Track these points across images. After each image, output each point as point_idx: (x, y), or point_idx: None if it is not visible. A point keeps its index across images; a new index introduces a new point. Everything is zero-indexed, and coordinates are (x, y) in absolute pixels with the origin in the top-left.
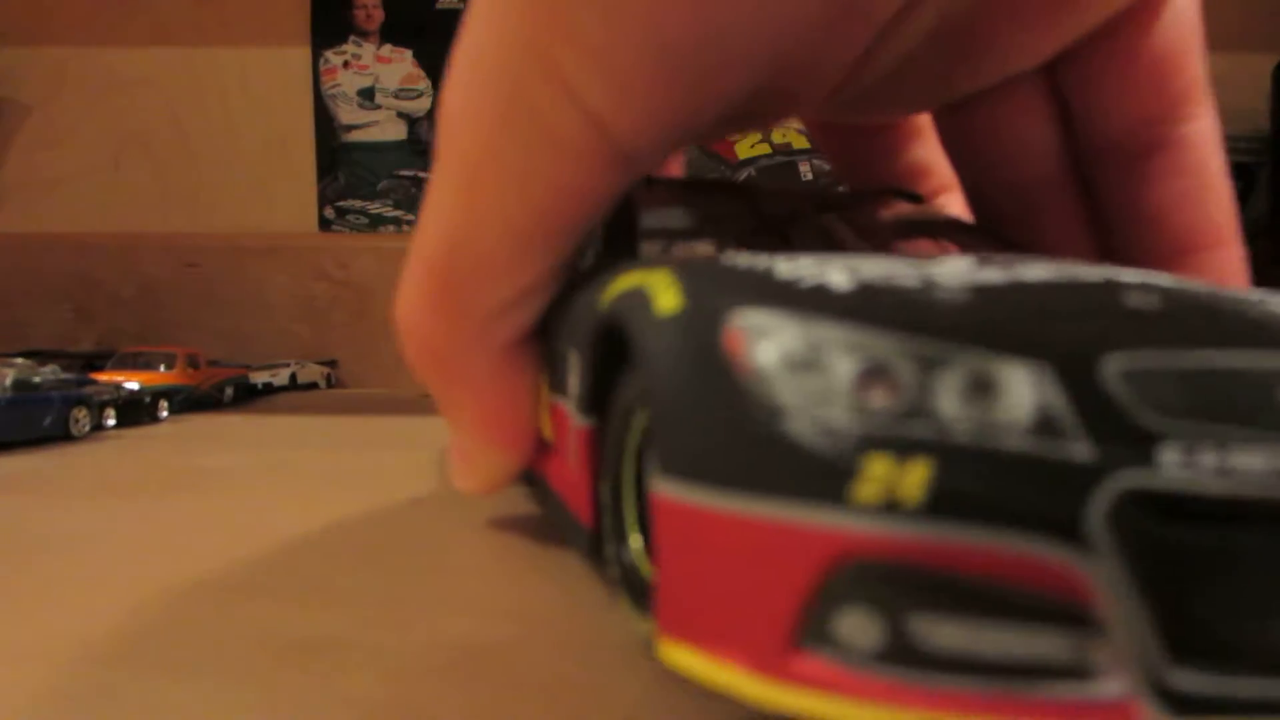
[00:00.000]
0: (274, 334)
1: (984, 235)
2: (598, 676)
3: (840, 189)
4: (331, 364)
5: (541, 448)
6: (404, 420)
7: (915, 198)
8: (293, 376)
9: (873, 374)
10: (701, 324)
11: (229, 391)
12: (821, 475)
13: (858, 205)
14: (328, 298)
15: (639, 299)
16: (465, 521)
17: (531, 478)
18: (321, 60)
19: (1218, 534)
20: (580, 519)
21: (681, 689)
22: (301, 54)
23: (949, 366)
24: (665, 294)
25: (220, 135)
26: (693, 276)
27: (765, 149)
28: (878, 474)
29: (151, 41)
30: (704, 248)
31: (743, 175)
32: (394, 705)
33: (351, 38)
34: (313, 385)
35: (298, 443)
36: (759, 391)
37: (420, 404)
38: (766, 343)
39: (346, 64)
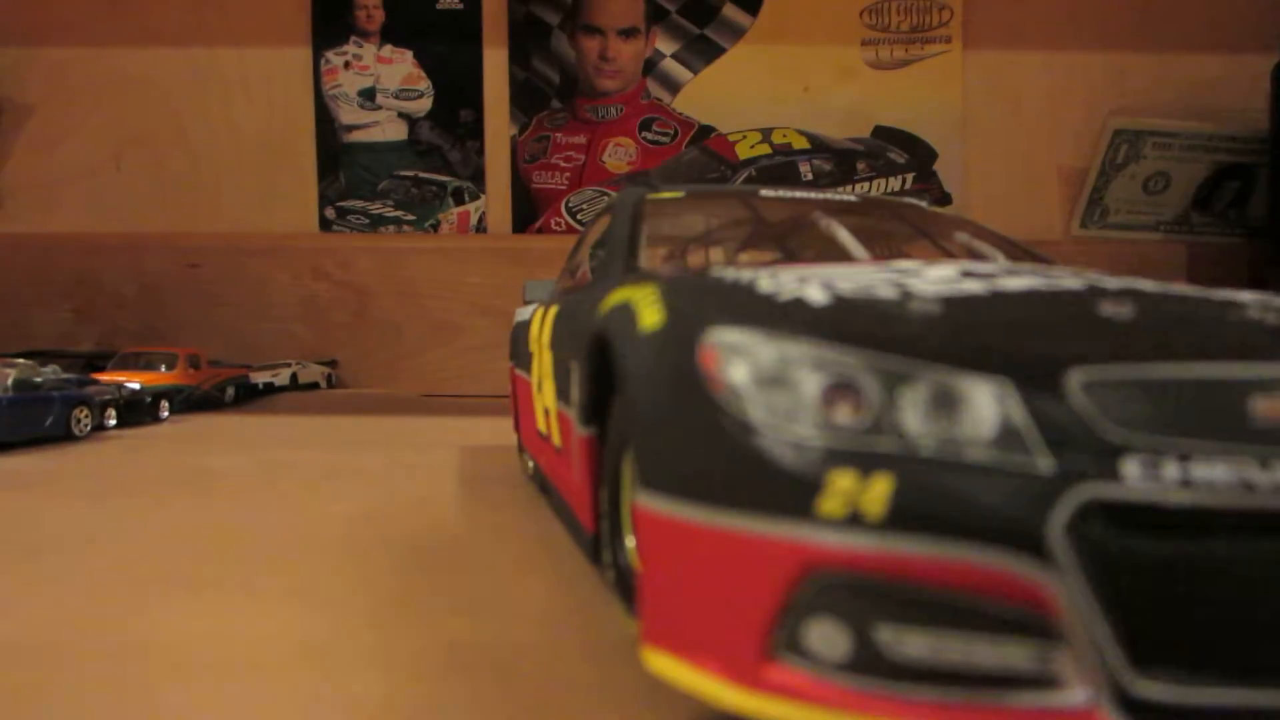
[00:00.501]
0: (275, 334)
1: (994, 239)
2: (598, 675)
3: (846, 193)
4: (332, 364)
5: (552, 454)
6: (404, 420)
7: (921, 203)
8: (294, 376)
9: (838, 390)
10: (679, 341)
11: (230, 391)
12: (789, 490)
13: (863, 211)
14: (328, 298)
15: (625, 314)
16: (467, 523)
17: (546, 486)
18: (322, 61)
19: (1179, 544)
20: (583, 524)
21: (680, 688)
22: (302, 54)
23: (913, 382)
24: (649, 310)
25: (221, 136)
26: (676, 293)
27: (765, 149)
28: (841, 488)
29: (153, 42)
30: (702, 259)
31: (743, 175)
32: (395, 704)
33: (352, 38)
34: (314, 385)
35: (298, 443)
36: (731, 407)
37: (420, 404)
38: (739, 360)
39: (347, 64)
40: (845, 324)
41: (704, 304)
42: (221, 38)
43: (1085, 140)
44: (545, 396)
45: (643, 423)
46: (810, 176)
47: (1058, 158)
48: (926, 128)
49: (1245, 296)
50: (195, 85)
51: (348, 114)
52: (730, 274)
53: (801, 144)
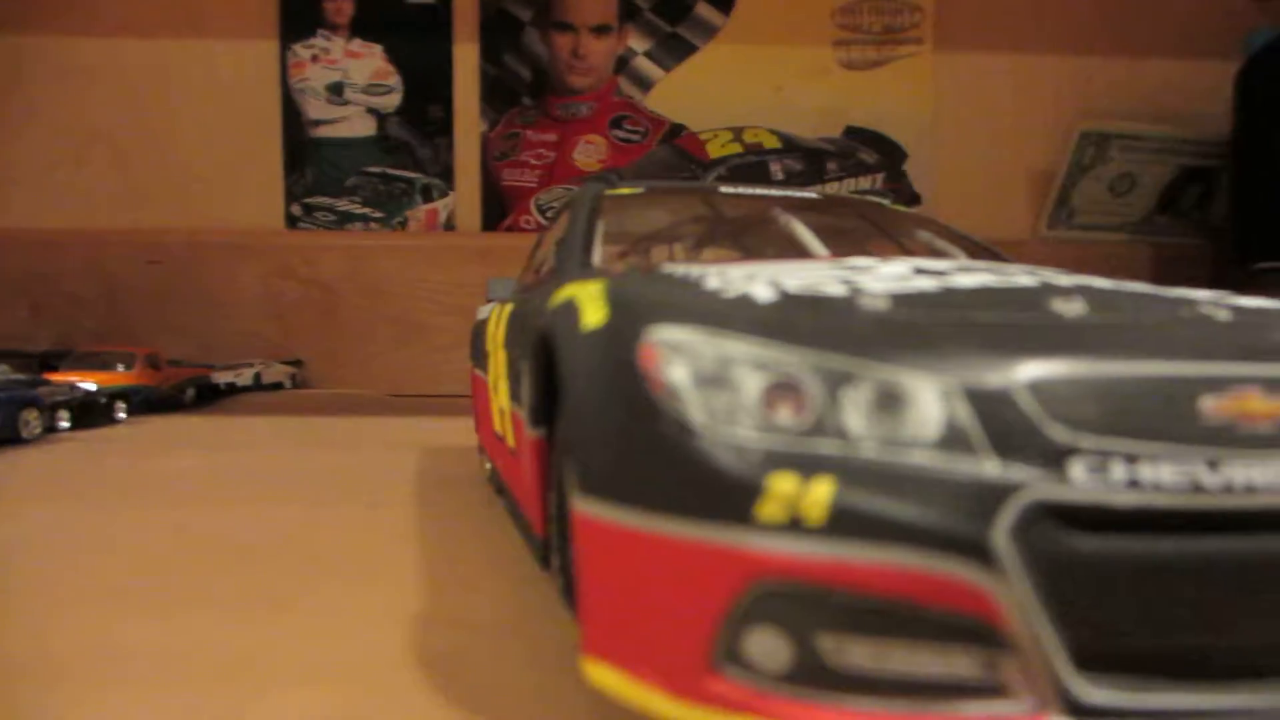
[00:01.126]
0: (239, 333)
1: (955, 237)
2: (545, 684)
3: (809, 191)
4: (297, 364)
5: (507, 456)
6: (369, 421)
7: (884, 201)
8: (257, 376)
9: (780, 390)
10: (619, 340)
11: (191, 392)
12: (728, 495)
13: (824, 208)
14: (294, 296)
15: (568, 312)
16: (421, 527)
17: (502, 488)
18: (289, 54)
19: (1127, 546)
20: (533, 527)
21: (620, 702)
22: (269, 47)
23: (857, 382)
24: (592, 308)
25: (185, 129)
26: (620, 290)
27: (737, 148)
28: (781, 493)
29: (115, 32)
30: (660, 255)
31: (714, 175)
32: (331, 717)
33: (320, 31)
34: (278, 385)
35: (257, 445)
36: (670, 409)
37: (385, 404)
38: (679, 360)
39: (315, 58)
40: (790, 322)
41: (646, 302)
42: (186, 29)
43: (1053, 142)
44: (500, 397)
45: (581, 424)
46: (781, 176)
47: (1026, 159)
48: (897, 128)
49: (1198, 294)
50: (158, 77)
51: (315, 109)
52: (678, 271)
53: (773, 143)
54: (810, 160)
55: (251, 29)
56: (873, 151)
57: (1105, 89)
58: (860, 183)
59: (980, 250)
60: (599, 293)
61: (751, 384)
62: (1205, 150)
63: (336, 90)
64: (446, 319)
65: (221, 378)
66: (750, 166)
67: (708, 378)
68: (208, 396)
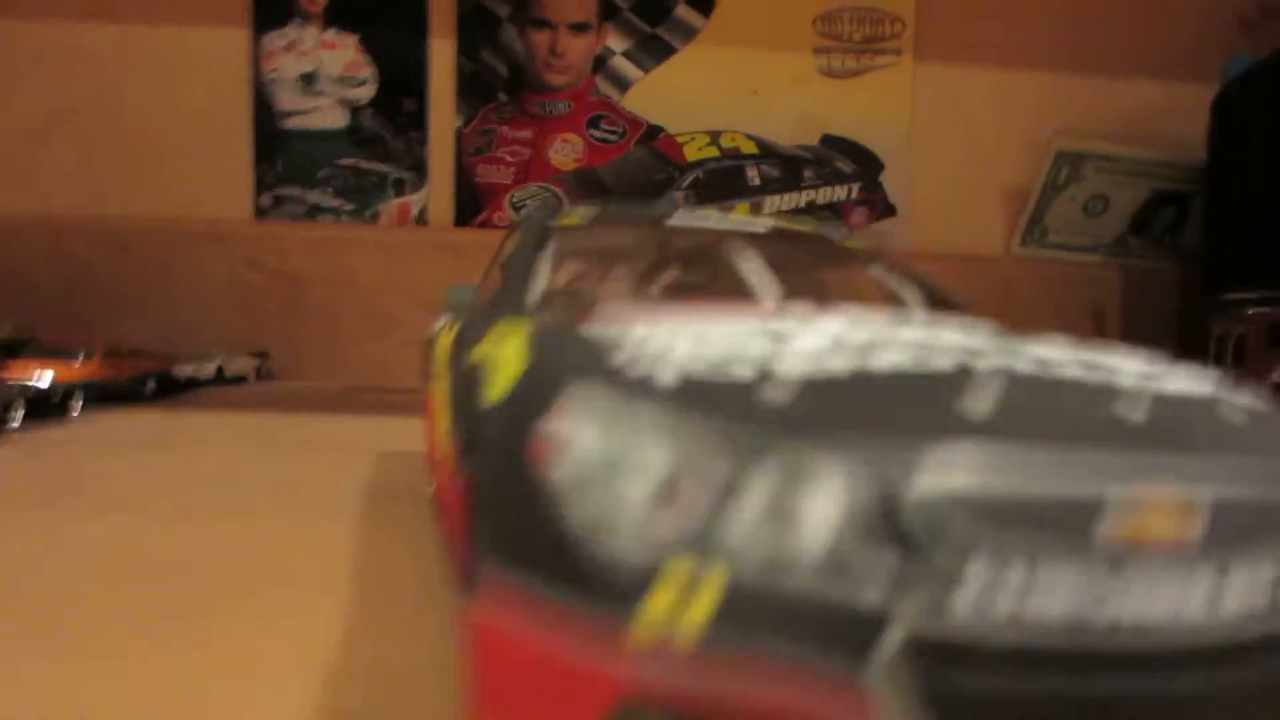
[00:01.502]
0: (205, 324)
1: (902, 275)
2: None
3: (766, 223)
4: (264, 355)
5: (445, 480)
6: (328, 420)
7: (835, 233)
8: (219, 369)
9: (665, 497)
10: (515, 427)
11: (151, 385)
12: (605, 605)
13: (772, 243)
14: (262, 287)
15: (478, 376)
16: (358, 551)
17: (440, 511)
18: (261, 43)
19: (1005, 684)
20: (456, 569)
21: None
22: (240, 36)
23: (745, 493)
24: (501, 373)
25: (154, 116)
26: (532, 353)
27: (714, 152)
28: (657, 610)
29: (85, 14)
30: (598, 289)
31: (690, 178)
32: None
33: (293, 21)
34: (241, 379)
35: (209, 446)
36: (558, 508)
37: (348, 400)
38: (569, 455)
39: (287, 48)
40: (687, 415)
41: (554, 373)
42: (158, 14)
43: (1029, 159)
44: (442, 420)
45: (481, 511)
46: (758, 181)
47: (1001, 175)
48: (874, 138)
49: (1126, 374)
50: (128, 61)
51: (287, 99)
52: (595, 334)
53: (750, 148)
54: (787, 167)
55: (223, 16)
56: (849, 161)
57: (1083, 108)
58: (836, 191)
59: (925, 288)
60: (510, 354)
61: (637, 489)
62: (1179, 175)
63: (309, 81)
64: (416, 314)
65: (184, 371)
66: (727, 171)
67: (596, 477)
68: (169, 389)
